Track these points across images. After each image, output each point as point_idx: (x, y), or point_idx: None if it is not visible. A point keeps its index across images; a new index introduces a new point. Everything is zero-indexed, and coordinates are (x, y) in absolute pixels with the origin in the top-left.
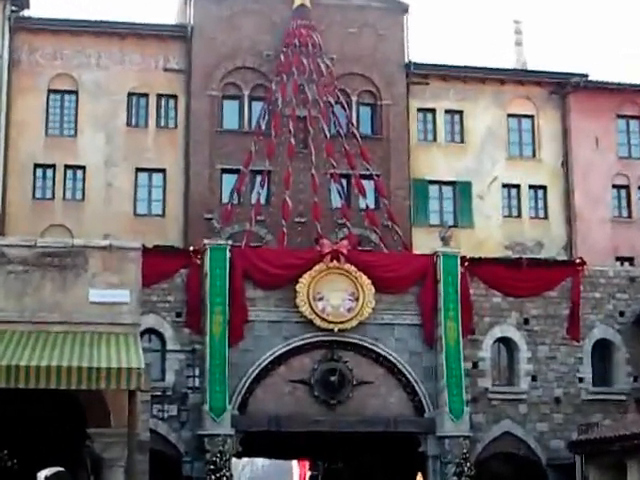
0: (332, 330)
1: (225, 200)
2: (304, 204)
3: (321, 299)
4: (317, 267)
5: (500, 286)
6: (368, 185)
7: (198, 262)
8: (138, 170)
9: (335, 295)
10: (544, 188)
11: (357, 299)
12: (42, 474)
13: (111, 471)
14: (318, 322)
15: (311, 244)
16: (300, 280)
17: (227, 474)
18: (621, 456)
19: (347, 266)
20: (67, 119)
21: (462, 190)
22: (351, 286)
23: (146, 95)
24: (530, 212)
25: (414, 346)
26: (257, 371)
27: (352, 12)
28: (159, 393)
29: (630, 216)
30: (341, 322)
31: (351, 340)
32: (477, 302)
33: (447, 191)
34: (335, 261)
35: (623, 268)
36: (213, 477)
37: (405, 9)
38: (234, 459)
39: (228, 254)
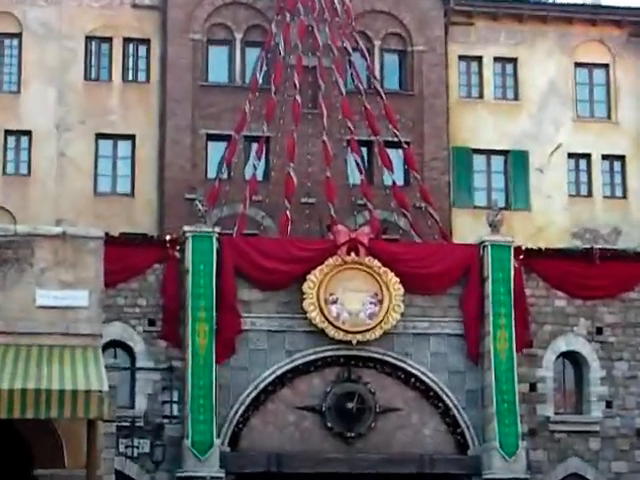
0: (349, 342)
1: (211, 175)
2: (313, 180)
3: (335, 302)
4: (330, 261)
5: (565, 285)
6: (395, 155)
7: (177, 255)
8: (99, 136)
9: (353, 297)
10: (622, 158)
11: (381, 302)
12: None
13: None
14: (331, 332)
15: (322, 232)
16: (308, 278)
17: None
18: None
19: (368, 260)
20: (8, 70)
21: (516, 161)
22: (374, 286)
23: (109, 39)
24: (604, 190)
25: (454, 363)
26: (253, 395)
27: None
28: (127, 424)
29: None
30: (361, 332)
31: (374, 355)
32: (536, 306)
33: (497, 163)
34: (353, 253)
35: None
36: None
37: None
38: None
39: (215, 244)
